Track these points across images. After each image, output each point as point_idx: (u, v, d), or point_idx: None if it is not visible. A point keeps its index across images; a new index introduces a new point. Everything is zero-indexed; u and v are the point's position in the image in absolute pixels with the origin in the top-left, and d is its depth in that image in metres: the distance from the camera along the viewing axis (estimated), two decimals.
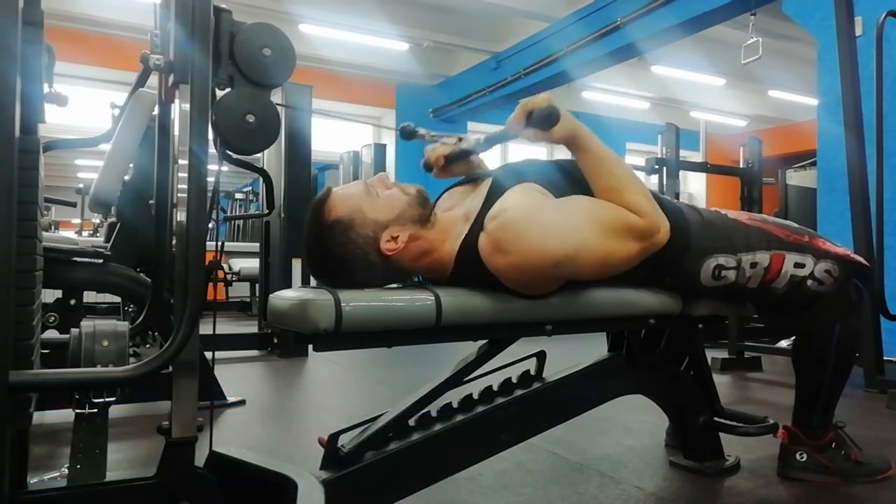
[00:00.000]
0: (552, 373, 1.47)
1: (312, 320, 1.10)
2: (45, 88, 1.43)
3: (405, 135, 1.48)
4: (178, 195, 1.04)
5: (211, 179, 0.98)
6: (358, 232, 1.23)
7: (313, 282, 1.32)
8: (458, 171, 1.57)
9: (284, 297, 1.18)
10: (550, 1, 7.18)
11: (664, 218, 1.32)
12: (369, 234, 1.24)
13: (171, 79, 1.05)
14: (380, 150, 6.76)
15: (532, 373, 1.45)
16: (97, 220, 5.67)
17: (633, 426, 2.15)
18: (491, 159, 1.58)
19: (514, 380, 1.42)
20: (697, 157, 5.47)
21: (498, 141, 1.43)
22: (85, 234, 6.12)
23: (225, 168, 1.11)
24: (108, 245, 2.33)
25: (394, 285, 1.31)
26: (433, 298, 1.19)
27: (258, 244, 4.49)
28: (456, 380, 1.33)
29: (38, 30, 1.01)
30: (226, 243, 6.62)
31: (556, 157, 1.45)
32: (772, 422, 1.68)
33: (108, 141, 2.35)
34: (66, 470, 1.05)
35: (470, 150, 1.49)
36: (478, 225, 1.27)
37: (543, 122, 1.30)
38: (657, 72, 9.05)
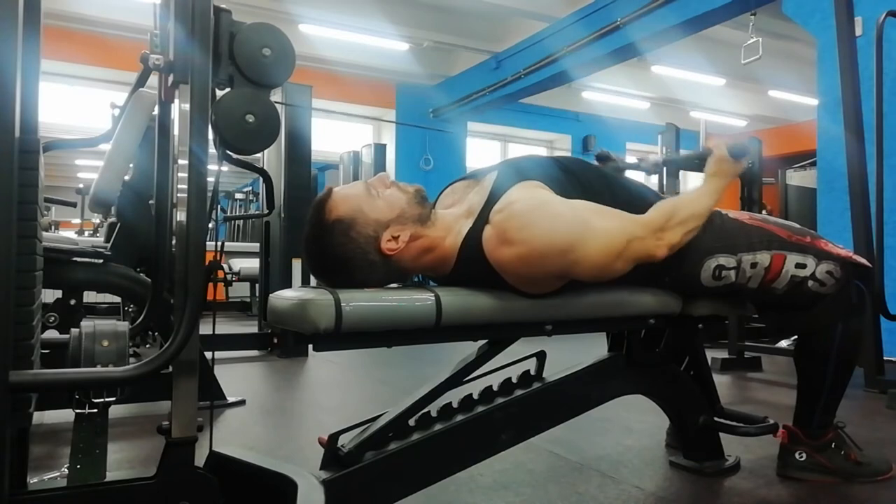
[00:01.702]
0: (552, 373, 1.47)
1: (312, 320, 1.10)
2: None
3: (600, 159, 1.68)
4: (178, 195, 1.04)
5: (211, 179, 0.98)
6: (359, 231, 1.23)
7: (313, 281, 1.32)
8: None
9: (284, 297, 1.18)
10: (550, 1, 7.18)
11: (670, 248, 1.35)
12: (370, 233, 1.24)
13: (171, 79, 1.05)
14: (380, 150, 6.77)
15: (532, 373, 1.45)
16: (97, 220, 5.67)
17: (633, 426, 2.15)
18: (491, 158, 1.58)
19: (514, 380, 1.42)
20: (695, 151, 5.47)
21: (679, 164, 1.69)
22: (85, 234, 6.12)
23: (225, 168, 1.11)
24: (108, 245, 2.33)
25: (394, 285, 1.31)
26: (433, 298, 1.19)
27: (258, 244, 4.49)
28: (456, 380, 1.33)
29: (37, 30, 1.01)
30: (226, 243, 6.62)
31: (554, 155, 1.46)
32: (772, 422, 1.68)
33: (108, 141, 2.34)
34: (66, 470, 1.05)
35: (644, 167, 1.76)
36: (482, 219, 1.27)
37: (740, 155, 1.50)
38: (657, 72, 9.05)
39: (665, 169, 4.32)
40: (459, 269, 1.30)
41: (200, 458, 1.09)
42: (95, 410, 1.04)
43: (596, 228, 1.27)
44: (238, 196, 10.03)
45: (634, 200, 1.44)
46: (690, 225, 1.39)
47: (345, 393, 2.96)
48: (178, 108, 1.05)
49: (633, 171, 1.74)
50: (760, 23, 5.09)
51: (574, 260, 1.25)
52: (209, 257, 1.04)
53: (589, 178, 1.44)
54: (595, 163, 1.68)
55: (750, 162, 4.40)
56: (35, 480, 1.22)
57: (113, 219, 2.53)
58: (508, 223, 1.23)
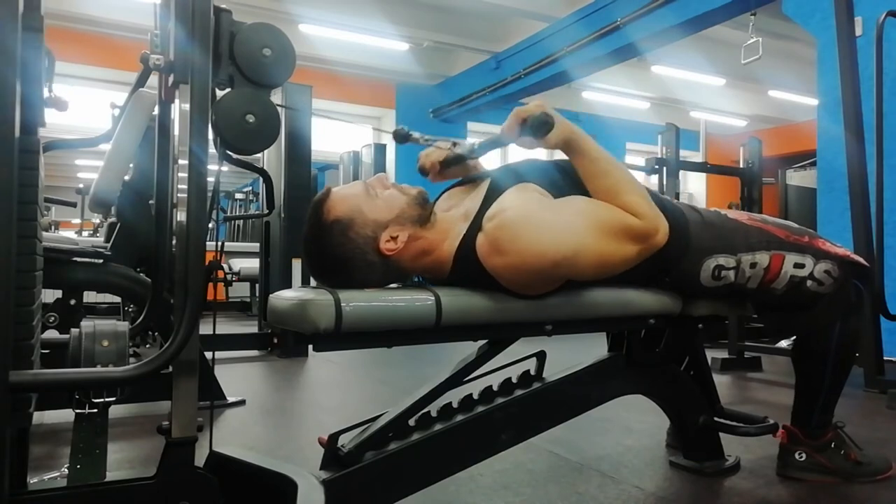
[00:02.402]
0: (552, 373, 1.47)
1: (312, 320, 1.10)
2: (45, 93, 1.43)
3: (398, 138, 1.47)
4: (178, 195, 1.04)
5: (211, 179, 0.98)
6: (357, 232, 1.23)
7: (313, 282, 1.32)
8: (454, 174, 1.59)
9: (284, 297, 1.18)
10: (550, 1, 7.18)
11: (663, 219, 1.32)
12: (368, 233, 1.24)
13: (171, 79, 1.05)
14: (380, 150, 6.76)
15: (532, 373, 1.45)
16: (97, 220, 5.67)
17: (633, 426, 2.15)
18: (491, 160, 1.58)
19: (514, 380, 1.42)
20: (697, 157, 5.47)
21: (492, 146, 1.44)
22: (85, 234, 6.12)
23: (225, 168, 1.11)
24: (108, 245, 2.33)
25: (394, 285, 1.31)
26: (433, 298, 1.19)
27: (258, 244, 4.49)
28: (456, 380, 1.33)
29: (38, 32, 1.01)
30: (226, 243, 6.63)
31: (555, 157, 1.46)
32: (772, 422, 1.68)
33: (108, 141, 2.35)
34: (66, 470, 1.05)
35: (464, 154, 1.49)
36: (476, 225, 1.27)
37: (538, 131, 1.29)
38: (657, 72, 9.05)
39: (665, 169, 4.32)
40: (456, 272, 1.29)
41: (200, 458, 1.09)
42: (95, 410, 1.04)
43: (588, 239, 1.24)
44: (238, 196, 10.03)
45: None
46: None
47: (345, 393, 2.96)
48: (178, 108, 1.05)
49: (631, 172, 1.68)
50: (760, 23, 5.09)
51: (568, 270, 1.25)
52: (209, 257, 1.04)
53: None
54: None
55: (750, 162, 4.41)
56: (35, 480, 1.22)
57: (113, 219, 2.53)
58: (499, 233, 1.21)
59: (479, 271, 1.24)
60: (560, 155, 1.41)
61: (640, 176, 1.69)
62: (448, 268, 1.30)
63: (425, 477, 1.28)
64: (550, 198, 1.31)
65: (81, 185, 4.47)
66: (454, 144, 1.50)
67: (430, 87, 9.29)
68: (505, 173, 1.38)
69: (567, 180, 1.38)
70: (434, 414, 1.30)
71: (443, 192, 1.51)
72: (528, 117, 1.29)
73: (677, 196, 4.35)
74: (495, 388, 1.38)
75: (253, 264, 5.50)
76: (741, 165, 4.48)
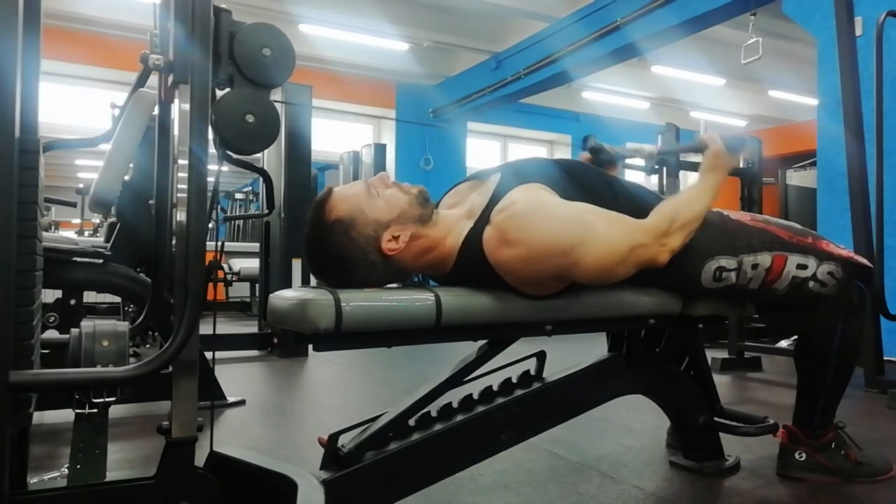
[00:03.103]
0: (552, 373, 1.47)
1: (312, 320, 1.10)
2: None
3: (592, 151, 1.64)
4: (178, 195, 1.04)
5: (211, 179, 0.98)
6: (359, 231, 1.23)
7: (313, 281, 1.32)
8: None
9: (284, 297, 1.18)
10: (550, 1, 7.18)
11: (672, 252, 1.35)
12: (370, 233, 1.24)
13: (171, 79, 1.05)
14: (380, 150, 6.77)
15: (532, 373, 1.45)
16: (97, 220, 5.67)
17: (633, 426, 2.15)
18: (491, 159, 1.58)
19: (514, 380, 1.42)
20: (697, 157, 5.47)
21: (676, 151, 1.69)
22: (85, 234, 6.12)
23: (225, 168, 1.10)
24: (108, 245, 2.33)
25: (394, 285, 1.31)
26: (433, 298, 1.19)
27: (258, 244, 4.49)
28: (456, 380, 1.33)
29: (37, 30, 1.01)
30: (226, 243, 6.63)
31: (554, 156, 1.46)
32: (772, 422, 1.68)
33: (108, 141, 2.34)
34: (66, 470, 1.05)
35: (638, 155, 1.70)
36: (483, 219, 1.27)
37: (736, 148, 1.53)
38: (657, 72, 9.05)
39: (665, 169, 4.32)
40: (459, 268, 1.30)
41: (200, 458, 1.09)
42: (95, 410, 1.04)
43: (598, 232, 1.26)
44: (238, 196, 10.02)
45: (636, 202, 1.44)
46: (691, 227, 1.39)
47: (345, 393, 2.96)
48: (178, 108, 1.05)
49: (631, 172, 1.74)
50: (760, 23, 5.09)
51: (574, 262, 1.24)
52: (209, 257, 1.04)
53: (591, 180, 1.44)
54: (587, 153, 1.67)
55: (750, 162, 4.41)
56: (35, 480, 1.22)
57: (113, 219, 2.53)
58: (509, 223, 1.23)
59: (482, 267, 1.25)
60: (559, 153, 1.42)
61: (639, 176, 1.71)
62: (451, 263, 1.30)
63: (425, 477, 1.28)
64: (557, 197, 1.31)
65: (81, 185, 4.47)
66: (636, 151, 1.68)
67: (430, 87, 9.29)
68: (512, 171, 1.39)
69: (570, 180, 1.39)
70: (434, 414, 1.30)
71: (450, 189, 1.51)
72: (729, 137, 1.51)
73: None
74: (495, 388, 1.38)
75: (253, 264, 5.50)
76: (741, 165, 4.48)
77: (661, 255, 1.34)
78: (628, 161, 1.80)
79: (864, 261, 1.57)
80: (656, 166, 4.31)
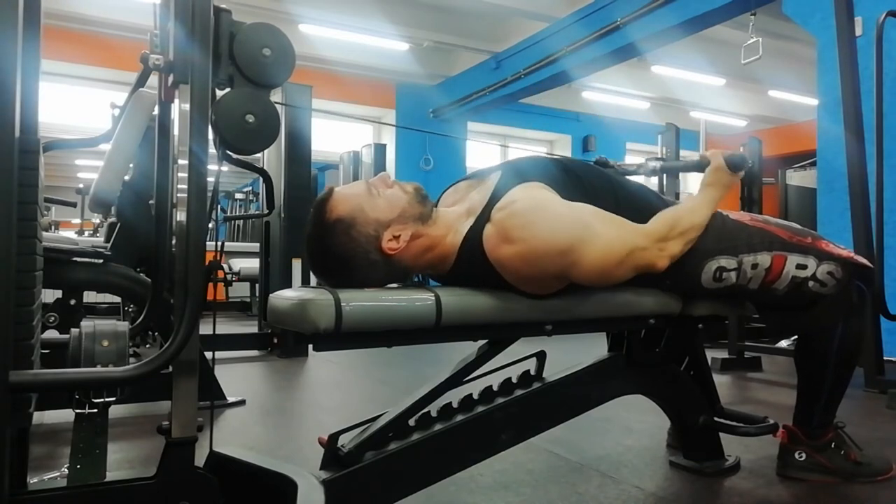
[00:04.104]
0: (552, 373, 1.47)
1: (312, 320, 1.10)
2: None
3: (598, 165, 1.62)
4: (178, 195, 1.04)
5: (211, 179, 0.98)
6: (360, 231, 1.23)
7: (314, 281, 1.32)
8: None
9: (284, 297, 1.18)
10: (550, 1, 7.18)
11: (671, 259, 1.37)
12: (371, 233, 1.24)
13: (171, 79, 1.05)
14: (380, 150, 6.76)
15: (532, 373, 1.45)
16: (97, 220, 5.67)
17: (633, 426, 2.15)
18: (491, 159, 1.58)
19: (514, 380, 1.42)
20: (694, 158, 5.47)
21: (679, 170, 1.64)
22: (85, 234, 6.12)
23: (225, 168, 1.10)
24: (108, 245, 2.33)
25: (394, 285, 1.31)
26: (433, 298, 1.19)
27: (258, 244, 4.49)
28: (456, 380, 1.33)
29: (37, 30, 1.01)
30: (226, 243, 6.63)
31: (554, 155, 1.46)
32: (772, 422, 1.68)
33: (108, 141, 2.34)
34: (66, 470, 1.05)
35: (642, 172, 1.70)
36: (483, 217, 1.28)
37: (738, 167, 1.50)
38: (657, 72, 9.05)
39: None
40: (459, 267, 1.30)
41: (200, 458, 1.09)
42: (95, 410, 1.04)
43: (598, 233, 1.27)
44: (238, 196, 10.02)
45: (637, 202, 1.45)
46: (690, 236, 1.41)
47: (345, 393, 2.96)
48: (178, 108, 1.05)
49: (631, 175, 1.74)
50: (760, 23, 5.09)
51: (574, 261, 1.24)
52: (209, 257, 1.04)
53: (592, 180, 1.44)
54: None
55: (750, 162, 4.41)
56: (35, 480, 1.22)
57: (113, 219, 2.53)
58: (510, 221, 1.23)
59: (482, 265, 1.25)
60: (559, 153, 1.42)
61: (640, 177, 1.71)
62: (451, 261, 1.30)
63: (425, 477, 1.28)
64: (558, 196, 1.31)
65: (81, 185, 4.47)
66: (639, 167, 1.69)
67: (430, 87, 9.29)
68: (512, 169, 1.39)
69: (571, 178, 1.39)
70: (434, 414, 1.30)
71: (449, 187, 1.51)
72: (731, 154, 1.50)
73: (677, 196, 4.35)
74: (495, 388, 1.38)
75: (253, 264, 5.50)
76: (740, 181, 4.48)
77: (660, 261, 1.36)
78: (628, 160, 1.81)
79: (864, 261, 1.57)
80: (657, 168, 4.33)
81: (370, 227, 1.24)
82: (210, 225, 1.32)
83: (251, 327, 4.99)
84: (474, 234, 1.27)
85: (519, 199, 1.26)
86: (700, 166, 1.55)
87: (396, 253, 1.26)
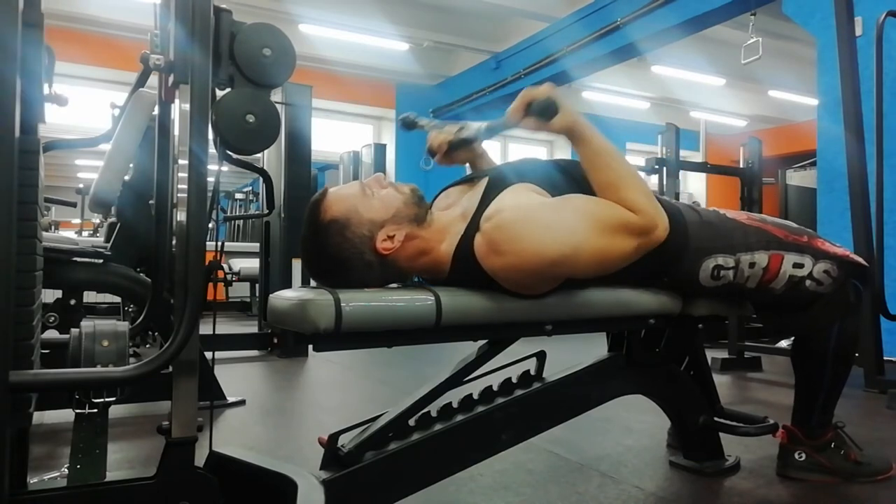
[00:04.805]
0: (552, 373, 1.47)
1: (312, 320, 1.10)
2: (46, 89, 1.43)
3: (406, 125, 1.49)
4: (178, 195, 1.04)
5: (211, 179, 0.98)
6: (354, 231, 1.23)
7: (313, 282, 1.32)
8: (461, 159, 1.58)
9: (284, 297, 1.18)
10: (550, 1, 7.18)
11: (663, 215, 1.31)
12: (365, 233, 1.23)
13: (171, 79, 1.05)
14: (380, 150, 6.76)
15: (532, 373, 1.45)
16: (97, 220, 5.67)
17: (633, 426, 2.15)
18: (493, 155, 1.57)
19: (514, 380, 1.42)
20: (697, 157, 5.48)
21: (498, 129, 1.41)
22: (85, 234, 6.12)
23: (225, 168, 1.11)
24: (108, 245, 2.33)
25: (394, 285, 1.31)
26: (433, 298, 1.19)
27: (258, 244, 4.49)
28: (456, 380, 1.33)
29: (38, 30, 1.01)
30: (226, 243, 6.63)
31: (555, 156, 1.46)
32: (772, 422, 1.68)
33: (108, 141, 2.35)
34: (66, 470, 1.05)
35: (471, 138, 1.50)
36: (473, 225, 1.26)
37: (542, 113, 1.29)
38: (657, 72, 9.05)
39: (665, 169, 4.32)
40: (455, 273, 1.29)
41: (200, 458, 1.09)
42: (95, 410, 1.04)
43: (587, 237, 1.23)
44: (238, 196, 10.03)
45: None
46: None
47: (345, 393, 2.96)
48: (178, 108, 1.05)
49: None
50: (760, 23, 5.09)
51: (569, 268, 1.25)
52: (209, 257, 1.04)
53: (587, 179, 1.43)
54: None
55: (750, 162, 4.41)
56: (35, 480, 1.22)
57: (113, 219, 2.53)
58: (497, 234, 1.20)
59: (477, 272, 1.24)
60: (559, 153, 1.41)
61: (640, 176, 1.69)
62: (447, 268, 1.30)
63: (425, 477, 1.28)
64: (548, 197, 1.30)
65: (81, 185, 4.48)
66: (461, 129, 1.50)
67: (430, 87, 9.29)
68: (503, 172, 1.38)
69: (566, 179, 1.38)
70: (434, 414, 1.30)
71: (441, 191, 1.51)
72: (534, 100, 1.29)
73: (677, 196, 4.35)
74: (495, 388, 1.38)
75: (253, 264, 5.50)
76: (741, 165, 4.48)
77: (653, 225, 1.28)
78: (628, 160, 1.78)
79: (860, 259, 1.57)
80: (656, 166, 4.32)
81: (364, 228, 1.24)
82: (210, 225, 1.32)
83: (251, 327, 4.99)
84: (466, 242, 1.26)
85: (505, 208, 1.23)
86: (512, 121, 1.34)
87: (391, 253, 1.25)
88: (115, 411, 1.21)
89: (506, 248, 1.19)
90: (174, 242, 1.14)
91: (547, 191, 1.32)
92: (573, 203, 1.28)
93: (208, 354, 1.71)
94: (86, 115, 7.77)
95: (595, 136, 1.33)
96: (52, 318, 2.18)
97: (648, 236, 1.28)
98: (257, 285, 5.26)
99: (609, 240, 1.26)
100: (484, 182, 1.36)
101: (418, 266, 1.32)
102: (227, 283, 6.33)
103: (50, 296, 2.13)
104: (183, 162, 0.97)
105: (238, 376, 3.25)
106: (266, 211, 1.59)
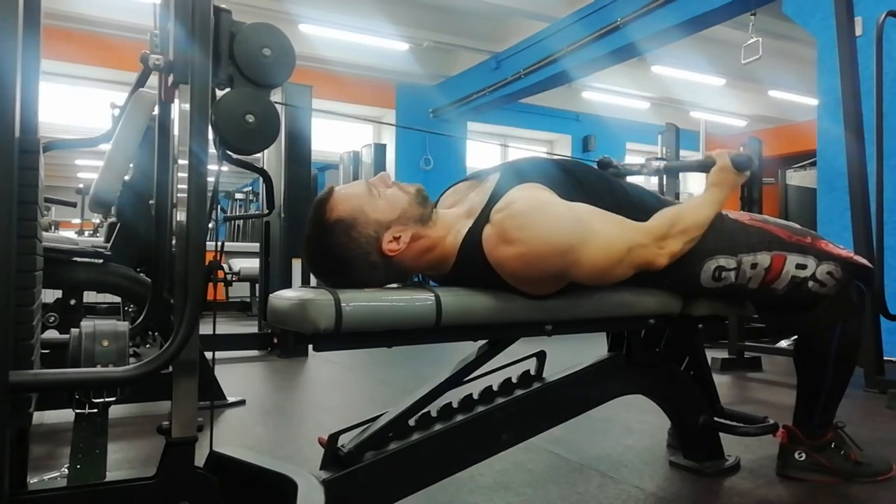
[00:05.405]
0: (552, 373, 1.47)
1: (312, 320, 1.10)
2: None
3: (601, 166, 1.62)
4: (178, 195, 1.04)
5: (211, 179, 0.98)
6: (360, 232, 1.23)
7: (314, 281, 1.32)
8: None
9: (284, 297, 1.18)
10: (550, 1, 7.18)
11: (672, 256, 1.38)
12: (371, 234, 1.23)
13: (171, 79, 1.05)
14: (380, 150, 6.76)
15: (532, 373, 1.45)
16: (97, 220, 5.67)
17: (633, 426, 2.15)
18: (491, 159, 1.58)
19: (514, 380, 1.42)
20: (697, 157, 5.47)
21: (682, 169, 1.64)
22: (85, 234, 6.12)
23: (225, 168, 1.10)
24: (108, 245, 2.33)
25: (394, 285, 1.31)
26: (433, 298, 1.19)
27: (258, 244, 4.49)
28: (456, 380, 1.33)
29: (37, 30, 1.01)
30: (226, 243, 6.63)
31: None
32: (772, 422, 1.68)
33: (108, 141, 2.34)
34: (66, 470, 1.05)
35: (646, 172, 1.69)
36: (483, 218, 1.27)
37: (745, 166, 1.49)
38: (657, 72, 9.05)
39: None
40: (459, 268, 1.30)
41: (200, 458, 1.09)
42: (95, 410, 1.04)
43: (597, 232, 1.27)
44: (238, 196, 10.03)
45: (635, 203, 1.45)
46: (692, 234, 1.41)
47: (345, 393, 2.96)
48: (178, 108, 1.05)
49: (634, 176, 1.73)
50: (760, 23, 5.09)
51: (573, 261, 1.25)
52: (209, 257, 1.04)
53: (590, 180, 1.44)
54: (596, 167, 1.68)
55: (755, 163, 4.41)
56: (35, 480, 1.22)
57: (113, 219, 2.53)
58: (509, 222, 1.23)
59: (482, 266, 1.25)
60: (559, 153, 1.42)
61: (639, 177, 1.71)
62: (451, 262, 1.30)
63: (425, 477, 1.28)
64: (557, 197, 1.31)
65: (81, 185, 4.48)
66: (642, 167, 1.67)
67: (430, 87, 9.29)
68: (511, 170, 1.39)
69: (570, 179, 1.39)
70: (434, 414, 1.30)
71: (448, 188, 1.51)
72: (737, 154, 1.49)
73: (677, 196, 4.36)
74: (495, 388, 1.38)
75: (253, 264, 5.50)
76: (745, 181, 4.47)
77: (660, 258, 1.36)
78: (628, 160, 1.80)
79: (864, 261, 1.57)
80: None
81: (370, 229, 1.24)
82: (210, 225, 1.32)
83: (251, 327, 4.99)
84: (473, 235, 1.27)
85: (518, 199, 1.26)
86: (704, 166, 1.54)
87: (396, 254, 1.25)
88: (115, 411, 1.21)
89: (516, 234, 1.21)
90: (174, 242, 1.14)
91: (553, 190, 1.33)
92: (586, 206, 1.32)
93: (208, 354, 1.71)
94: (86, 115, 7.78)
95: (721, 200, 1.50)
96: (52, 318, 2.18)
97: (645, 262, 1.36)
98: (257, 285, 5.26)
99: (616, 230, 1.31)
100: (494, 179, 1.36)
101: (423, 263, 1.32)
102: (227, 283, 6.33)
103: (50, 296, 2.13)
104: (183, 162, 0.97)
105: (238, 376, 3.25)
106: (266, 211, 1.59)
